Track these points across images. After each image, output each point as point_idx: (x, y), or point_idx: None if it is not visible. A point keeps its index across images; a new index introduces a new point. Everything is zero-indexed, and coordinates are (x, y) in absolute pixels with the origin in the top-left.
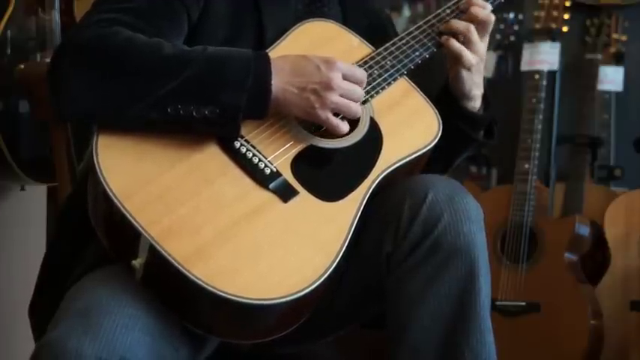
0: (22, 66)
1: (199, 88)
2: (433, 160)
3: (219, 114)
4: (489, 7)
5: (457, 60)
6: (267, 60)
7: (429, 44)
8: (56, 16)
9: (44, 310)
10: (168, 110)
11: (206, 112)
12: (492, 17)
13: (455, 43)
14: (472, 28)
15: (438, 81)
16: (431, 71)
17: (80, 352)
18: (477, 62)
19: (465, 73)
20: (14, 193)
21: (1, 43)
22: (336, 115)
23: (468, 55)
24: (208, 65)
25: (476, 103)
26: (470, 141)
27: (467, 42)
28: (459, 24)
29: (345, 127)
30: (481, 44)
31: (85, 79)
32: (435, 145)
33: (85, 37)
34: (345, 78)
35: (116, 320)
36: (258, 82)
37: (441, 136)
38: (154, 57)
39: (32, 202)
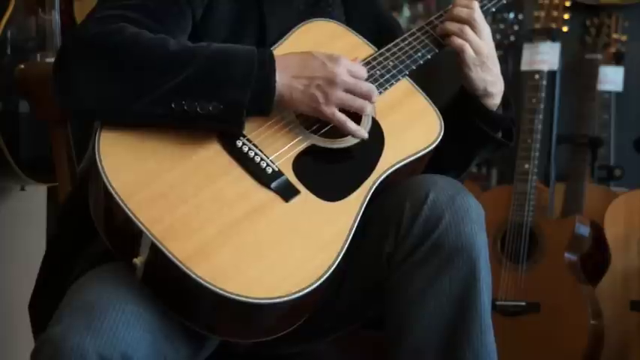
0: (22, 66)
1: (203, 84)
2: (451, 161)
3: (223, 110)
4: (474, 4)
5: (460, 58)
6: (271, 57)
7: (431, 45)
8: (56, 16)
9: (44, 307)
10: (173, 106)
11: (210, 108)
12: (474, 14)
13: (456, 39)
14: (465, 28)
15: (446, 87)
16: (439, 77)
17: (81, 348)
18: (480, 61)
19: (472, 73)
20: (14, 193)
21: (1, 43)
22: (342, 111)
23: (469, 51)
24: (212, 62)
25: (495, 100)
26: (488, 140)
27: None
28: (452, 25)
29: (351, 123)
30: (479, 42)
31: (90, 76)
32: (447, 145)
33: (91, 33)
34: (349, 74)
35: (118, 317)
36: (262, 78)
37: (460, 135)
38: (159, 53)
39: (32, 202)
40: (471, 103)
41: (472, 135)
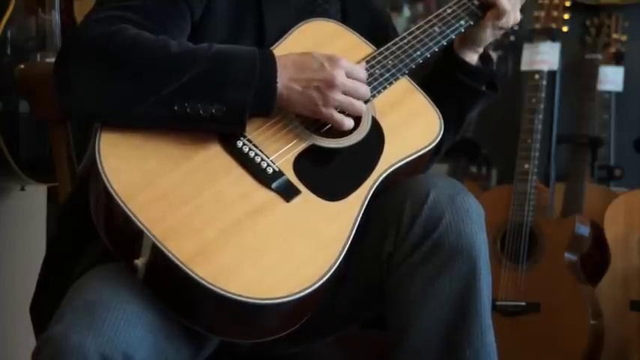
0: (22, 66)
1: (206, 85)
2: (446, 120)
3: (226, 112)
4: None
5: (492, 17)
6: (272, 57)
7: (431, 43)
8: (56, 16)
9: (45, 307)
10: (175, 108)
11: (213, 110)
12: None
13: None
14: None
15: None
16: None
17: (82, 347)
18: (501, 27)
19: (487, 32)
20: (14, 193)
21: (1, 43)
22: (340, 112)
23: (506, 18)
24: (214, 63)
25: (474, 58)
26: (475, 94)
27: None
28: None
29: (349, 122)
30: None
31: (91, 77)
32: (440, 108)
33: (91, 34)
34: (348, 76)
35: (119, 316)
36: (263, 79)
37: (448, 95)
38: (161, 55)
39: (32, 202)
40: (454, 60)
41: (459, 91)
